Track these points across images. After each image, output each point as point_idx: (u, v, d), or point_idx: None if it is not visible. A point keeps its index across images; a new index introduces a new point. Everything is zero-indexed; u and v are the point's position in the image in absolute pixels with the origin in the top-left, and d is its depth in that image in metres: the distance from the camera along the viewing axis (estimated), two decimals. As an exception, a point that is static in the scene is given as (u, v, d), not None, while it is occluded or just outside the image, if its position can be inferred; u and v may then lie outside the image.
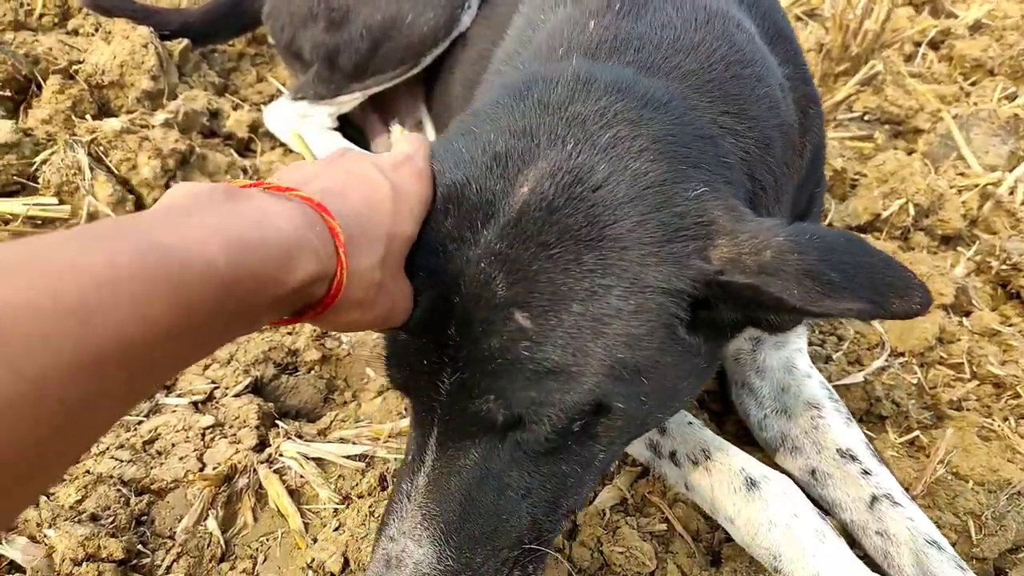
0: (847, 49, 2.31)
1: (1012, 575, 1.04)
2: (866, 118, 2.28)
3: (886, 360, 1.43)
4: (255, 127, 1.92)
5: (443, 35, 1.55)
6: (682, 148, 0.79)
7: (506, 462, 0.78)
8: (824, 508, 1.13)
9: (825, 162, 1.54)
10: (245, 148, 1.93)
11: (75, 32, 2.14)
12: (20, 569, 1.03)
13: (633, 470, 1.20)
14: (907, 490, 1.14)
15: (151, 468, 1.18)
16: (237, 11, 2.00)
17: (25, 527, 1.07)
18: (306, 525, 1.14)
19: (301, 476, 1.19)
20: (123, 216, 0.53)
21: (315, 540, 1.11)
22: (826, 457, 1.14)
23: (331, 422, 1.30)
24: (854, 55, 2.31)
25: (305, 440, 1.24)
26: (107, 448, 1.21)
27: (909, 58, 2.57)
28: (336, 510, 1.15)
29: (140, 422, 1.27)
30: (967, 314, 1.59)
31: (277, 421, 1.29)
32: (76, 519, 1.07)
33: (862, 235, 1.79)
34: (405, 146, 0.85)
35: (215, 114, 1.90)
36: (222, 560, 1.10)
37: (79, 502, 1.11)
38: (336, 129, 1.84)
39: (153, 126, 1.77)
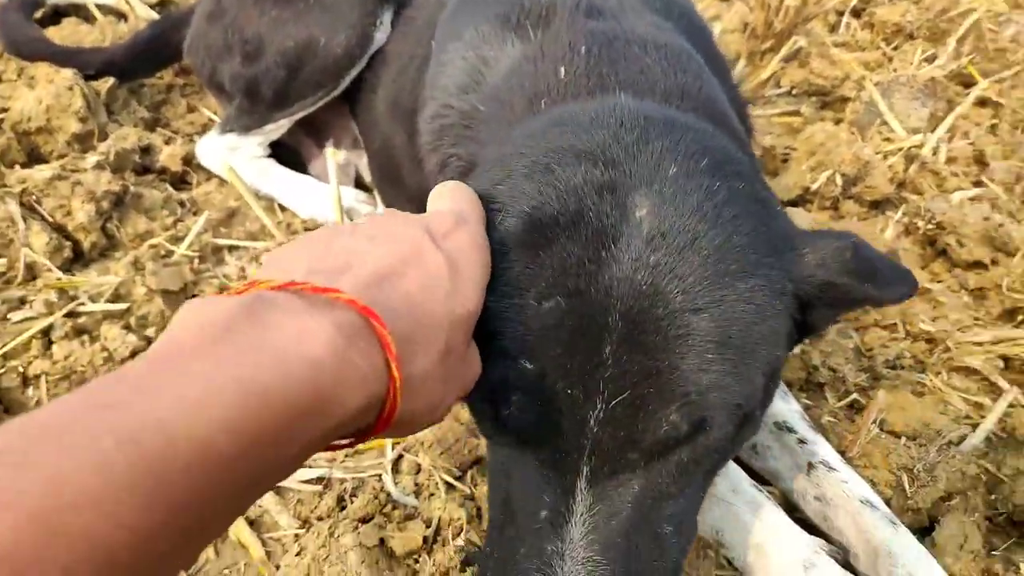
0: (771, 26, 2.35)
1: (945, 522, 1.09)
2: (793, 92, 2.34)
3: (822, 328, 1.48)
4: (188, 159, 1.91)
5: (359, 54, 1.56)
6: (746, 169, 0.85)
7: (664, 488, 0.73)
8: (767, 479, 1.18)
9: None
10: (180, 181, 1.92)
11: (-2, 79, 2.10)
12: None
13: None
14: (844, 452, 1.19)
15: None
16: (160, 45, 1.98)
17: None
18: (268, 553, 1.15)
19: (259, 505, 1.20)
20: (106, 379, 0.45)
21: (278, 567, 1.12)
22: (765, 431, 1.19)
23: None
24: (778, 31, 2.36)
25: (261, 469, 1.26)
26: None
27: (833, 28, 2.63)
28: (296, 535, 1.16)
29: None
30: (898, 275, 1.65)
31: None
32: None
33: (794, 208, 1.85)
34: (448, 203, 0.74)
35: (146, 150, 1.88)
36: (187, 598, 1.11)
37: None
38: (269, 156, 1.84)
39: (85, 169, 1.75)
